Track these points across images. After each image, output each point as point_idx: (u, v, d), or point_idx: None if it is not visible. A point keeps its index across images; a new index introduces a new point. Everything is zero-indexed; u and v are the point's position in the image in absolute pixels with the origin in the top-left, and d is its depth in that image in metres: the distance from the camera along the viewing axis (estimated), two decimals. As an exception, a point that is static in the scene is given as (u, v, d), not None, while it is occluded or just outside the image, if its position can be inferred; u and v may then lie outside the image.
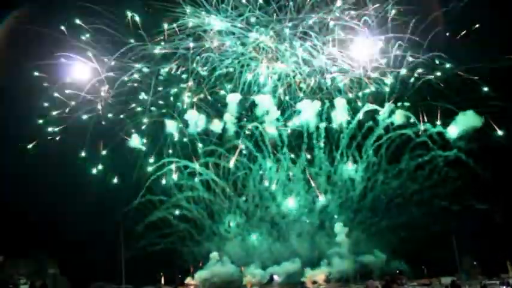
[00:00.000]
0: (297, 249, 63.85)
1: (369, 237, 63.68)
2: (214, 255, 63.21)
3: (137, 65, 60.51)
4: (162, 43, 60.36)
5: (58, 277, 61.35)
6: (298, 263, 62.15)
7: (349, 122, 62.59)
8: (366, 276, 59.00)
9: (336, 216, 64.56)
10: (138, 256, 59.49)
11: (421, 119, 60.35)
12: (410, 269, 61.81)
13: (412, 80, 60.91)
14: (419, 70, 60.39)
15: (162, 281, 64.45)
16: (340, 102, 62.44)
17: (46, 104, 59.96)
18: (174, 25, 59.52)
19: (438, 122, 59.78)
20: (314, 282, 60.85)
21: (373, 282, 56.94)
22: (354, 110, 62.62)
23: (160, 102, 63.42)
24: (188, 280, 64.06)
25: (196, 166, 63.21)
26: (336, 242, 62.78)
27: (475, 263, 59.80)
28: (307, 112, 62.82)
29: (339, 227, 63.09)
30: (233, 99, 62.90)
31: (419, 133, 60.58)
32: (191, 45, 61.08)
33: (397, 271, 61.44)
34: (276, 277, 62.29)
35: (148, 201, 62.31)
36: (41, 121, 60.22)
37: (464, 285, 52.93)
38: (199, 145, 63.87)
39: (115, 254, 58.59)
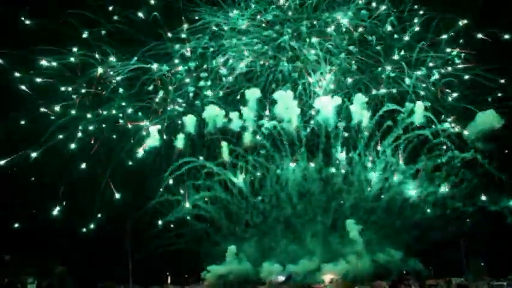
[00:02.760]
0: (312, 249, 63.43)
1: (381, 238, 63.38)
2: (231, 248, 62.19)
3: (156, 64, 60.02)
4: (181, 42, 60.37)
5: (65, 276, 59.74)
6: (316, 261, 61.70)
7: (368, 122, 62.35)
8: (384, 276, 59.02)
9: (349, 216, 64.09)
10: (147, 256, 58.59)
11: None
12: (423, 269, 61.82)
13: (432, 79, 61.18)
14: (440, 69, 60.82)
15: (169, 281, 63.39)
16: (359, 101, 61.87)
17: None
18: (193, 24, 59.64)
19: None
20: (331, 282, 60.76)
21: (380, 283, 57.53)
22: (373, 110, 62.47)
23: (179, 100, 62.80)
24: (203, 275, 62.73)
25: (213, 166, 62.43)
26: (349, 240, 62.09)
27: (482, 264, 59.91)
28: (326, 110, 62.04)
29: (350, 223, 62.35)
30: (252, 96, 61.64)
31: (438, 133, 60.64)
32: (210, 44, 61.07)
33: (404, 271, 61.34)
34: (293, 275, 61.98)
35: (166, 201, 61.50)
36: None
37: (471, 286, 53.74)
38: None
39: (125, 253, 57.53)
